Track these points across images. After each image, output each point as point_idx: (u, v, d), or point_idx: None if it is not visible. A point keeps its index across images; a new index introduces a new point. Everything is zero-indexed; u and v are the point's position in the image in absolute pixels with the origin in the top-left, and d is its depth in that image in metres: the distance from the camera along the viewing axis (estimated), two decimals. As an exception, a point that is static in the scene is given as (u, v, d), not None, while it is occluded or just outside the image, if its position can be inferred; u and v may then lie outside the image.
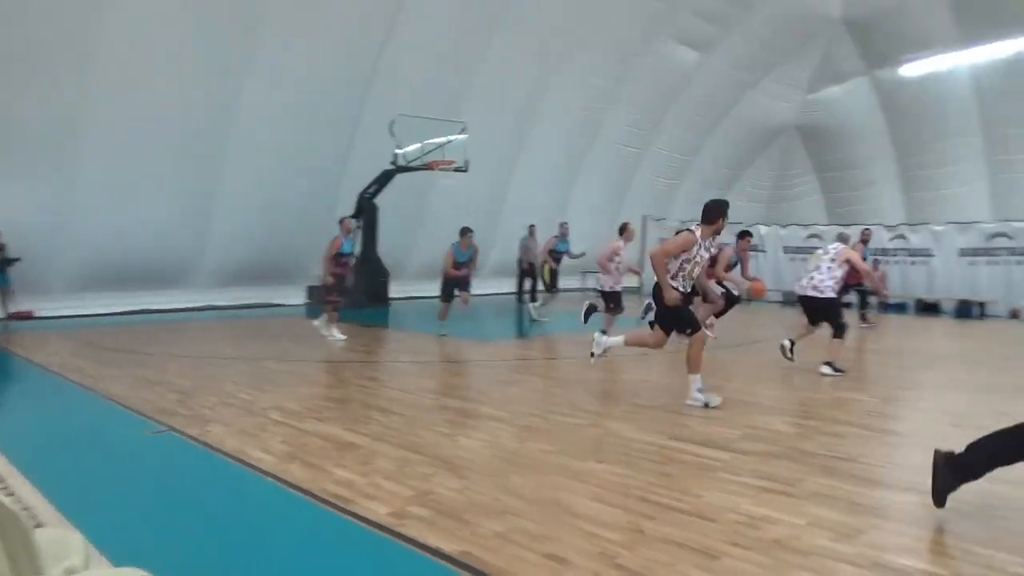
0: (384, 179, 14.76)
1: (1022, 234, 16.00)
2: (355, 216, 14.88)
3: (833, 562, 3.00)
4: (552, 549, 3.09)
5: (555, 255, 13.36)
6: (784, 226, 21.07)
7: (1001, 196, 19.07)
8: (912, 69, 20.50)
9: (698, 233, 6.17)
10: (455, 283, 11.00)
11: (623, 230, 10.43)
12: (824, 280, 8.13)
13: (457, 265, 10.95)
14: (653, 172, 22.52)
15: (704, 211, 6.30)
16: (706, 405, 6.06)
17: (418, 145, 14.81)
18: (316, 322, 10.36)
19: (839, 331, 8.03)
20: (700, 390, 6.17)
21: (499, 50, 15.95)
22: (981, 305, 15.95)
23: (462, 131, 14.98)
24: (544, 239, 15.49)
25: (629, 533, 3.28)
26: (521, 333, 12.20)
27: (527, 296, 15.88)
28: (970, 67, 19.22)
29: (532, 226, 16.88)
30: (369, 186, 14.83)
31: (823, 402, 6.50)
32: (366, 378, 7.50)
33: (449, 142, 14.94)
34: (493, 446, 4.78)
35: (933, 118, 20.44)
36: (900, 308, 17.03)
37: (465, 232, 10.99)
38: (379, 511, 3.52)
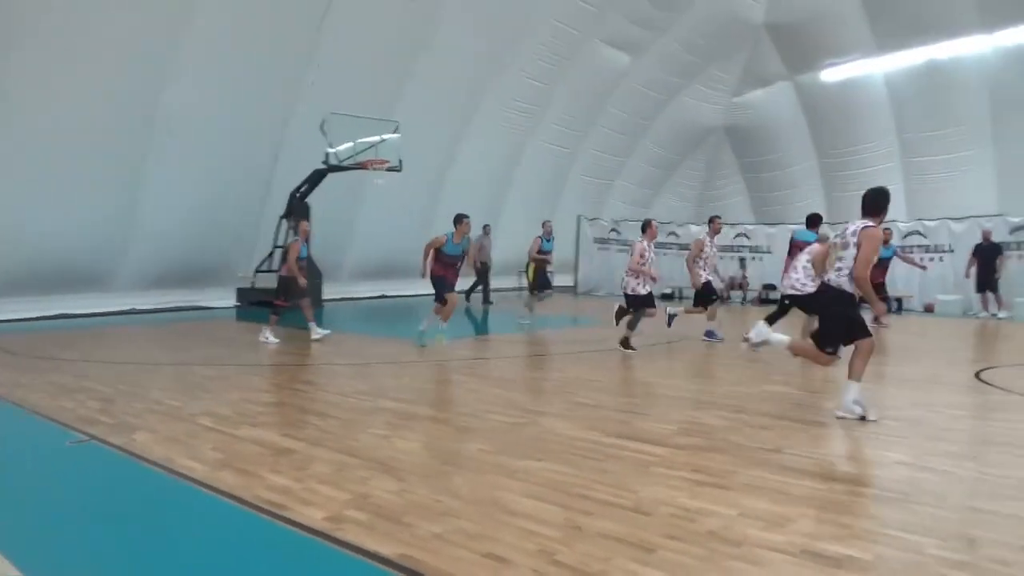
0: (316, 178, 14.51)
1: (935, 232, 16.85)
2: (286, 216, 14.60)
3: (764, 551, 3.10)
4: (491, 548, 3.10)
5: (543, 255, 13.10)
6: (714, 225, 21.63)
7: (915, 196, 20.05)
8: (831, 74, 21.36)
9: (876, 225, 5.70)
10: (445, 281, 9.37)
11: (646, 228, 9.59)
12: (801, 279, 8.67)
13: (446, 259, 9.22)
14: (586, 172, 22.81)
15: (869, 203, 5.78)
16: (862, 418, 5.61)
17: (350, 144, 14.62)
18: (268, 336, 9.97)
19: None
20: (857, 401, 5.69)
21: (433, 50, 15.88)
22: (899, 300, 16.69)
23: (395, 130, 14.86)
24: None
25: (567, 530, 3.31)
26: (463, 333, 12.14)
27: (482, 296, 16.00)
28: (885, 73, 20.16)
29: (487, 226, 16.87)
30: (300, 185, 14.55)
31: (752, 396, 6.69)
32: (301, 382, 7.36)
33: (382, 141, 14.79)
34: (431, 447, 4.76)
35: (851, 122, 21.35)
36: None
37: (461, 219, 9.25)
38: (315, 516, 3.46)
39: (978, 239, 15.24)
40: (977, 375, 7.91)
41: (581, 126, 21.38)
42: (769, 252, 19.97)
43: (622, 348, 9.31)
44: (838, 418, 5.65)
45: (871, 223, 5.66)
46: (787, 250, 10.71)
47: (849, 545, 3.16)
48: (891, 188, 19.47)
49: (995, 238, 15.15)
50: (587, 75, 20.00)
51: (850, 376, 5.73)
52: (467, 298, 16.64)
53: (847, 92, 21.09)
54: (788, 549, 3.11)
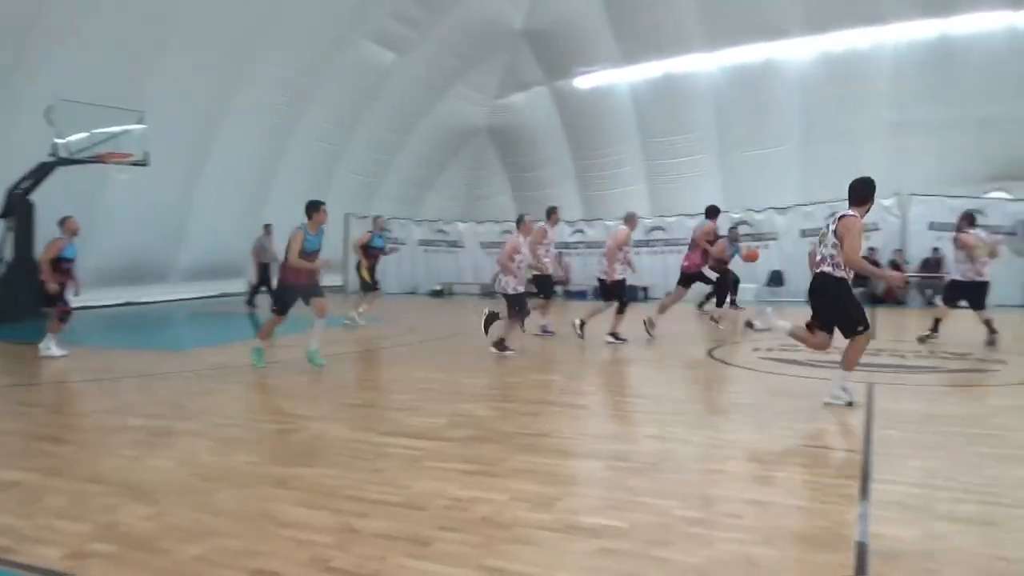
0: (42, 172, 12.74)
1: (674, 227, 18.83)
2: (3, 216, 12.73)
3: (533, 530, 3.26)
4: (261, 564, 2.94)
5: (371, 251, 12.32)
6: (480, 222, 22.41)
7: (656, 195, 22.24)
8: (583, 81, 23.02)
9: (859, 215, 5.66)
10: (299, 288, 7.78)
11: (520, 223, 9.15)
12: (605, 266, 9.90)
13: (305, 257, 7.63)
14: (353, 170, 22.41)
15: (855, 191, 5.73)
16: (850, 404, 5.67)
17: (85, 135, 13.04)
18: (42, 345, 8.76)
19: (622, 307, 9.88)
20: (845, 389, 5.75)
21: (184, 36, 14.66)
22: (645, 289, 18.39)
23: (139, 121, 13.51)
24: (251, 241, 15.04)
25: (341, 534, 3.23)
26: (232, 338, 11.38)
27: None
28: (629, 83, 22.14)
29: (268, 225, 16.31)
30: (22, 180, 12.71)
31: (520, 385, 7.01)
32: (28, 404, 6.43)
33: (124, 132, 13.38)
34: (190, 464, 4.39)
35: (602, 126, 23.20)
36: (581, 295, 18.97)
37: (317, 206, 7.74)
38: (52, 555, 3.04)
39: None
40: (709, 353, 8.95)
41: (347, 122, 20.96)
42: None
43: (497, 350, 8.73)
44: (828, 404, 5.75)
45: (852, 212, 5.67)
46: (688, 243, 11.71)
47: (607, 516, 3.42)
48: (637, 187, 21.35)
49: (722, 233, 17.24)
50: (351, 71, 19.64)
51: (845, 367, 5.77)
52: (251, 303, 15.73)
53: (597, 99, 22.87)
54: (554, 526, 3.30)
